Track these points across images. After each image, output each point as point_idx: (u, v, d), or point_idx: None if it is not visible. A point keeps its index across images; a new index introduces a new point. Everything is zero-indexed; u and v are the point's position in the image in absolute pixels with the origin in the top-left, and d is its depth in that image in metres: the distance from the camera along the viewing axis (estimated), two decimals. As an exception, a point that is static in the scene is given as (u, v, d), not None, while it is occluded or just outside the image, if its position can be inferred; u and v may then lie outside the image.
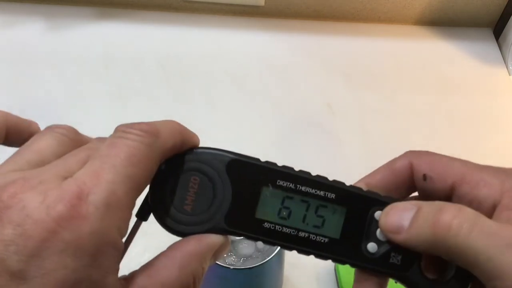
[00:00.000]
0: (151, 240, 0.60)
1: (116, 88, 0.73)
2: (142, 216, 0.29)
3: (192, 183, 0.27)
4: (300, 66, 0.78)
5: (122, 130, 0.25)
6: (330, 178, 0.29)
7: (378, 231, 0.27)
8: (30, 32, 0.78)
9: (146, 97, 0.73)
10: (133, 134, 0.25)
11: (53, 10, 0.81)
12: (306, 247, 0.28)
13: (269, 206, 0.27)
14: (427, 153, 0.28)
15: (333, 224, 0.28)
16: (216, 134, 0.70)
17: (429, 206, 0.26)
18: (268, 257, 0.45)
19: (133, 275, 0.25)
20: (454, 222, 0.24)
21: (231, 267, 0.45)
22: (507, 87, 0.78)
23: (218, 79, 0.76)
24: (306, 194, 0.28)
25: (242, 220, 0.27)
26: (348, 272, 0.57)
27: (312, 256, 0.28)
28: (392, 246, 0.27)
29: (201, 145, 0.28)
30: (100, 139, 0.28)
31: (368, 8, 0.83)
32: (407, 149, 0.31)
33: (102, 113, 0.71)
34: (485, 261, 0.24)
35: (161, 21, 0.82)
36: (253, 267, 0.45)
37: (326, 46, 0.81)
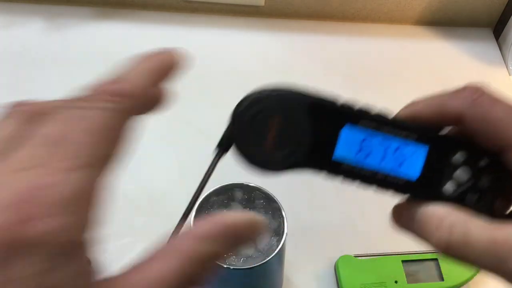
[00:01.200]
0: (152, 241, 0.61)
1: (116, 88, 0.73)
2: (225, 146, 0.29)
3: (273, 122, 0.27)
4: (300, 66, 0.78)
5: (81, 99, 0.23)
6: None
7: (456, 172, 0.28)
8: (30, 32, 0.78)
9: (146, 97, 0.73)
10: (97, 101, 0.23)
11: (53, 10, 0.81)
12: (384, 185, 0.28)
13: (347, 146, 0.28)
14: (480, 105, 0.27)
15: (412, 164, 0.28)
16: (216, 134, 0.70)
17: None
18: (268, 257, 0.45)
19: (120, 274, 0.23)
20: None
21: (231, 267, 0.45)
22: (507, 87, 0.78)
23: (218, 79, 0.76)
24: (386, 134, 0.28)
25: (321, 159, 0.28)
26: (348, 272, 0.57)
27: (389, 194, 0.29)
28: (470, 187, 0.28)
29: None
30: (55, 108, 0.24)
31: (368, 8, 0.83)
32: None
33: (102, 113, 0.71)
34: None
35: (161, 21, 0.82)
36: (253, 267, 0.45)
37: (326, 46, 0.81)
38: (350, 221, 0.63)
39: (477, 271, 0.58)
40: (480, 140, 0.27)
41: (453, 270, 0.58)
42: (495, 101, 0.27)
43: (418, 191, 0.28)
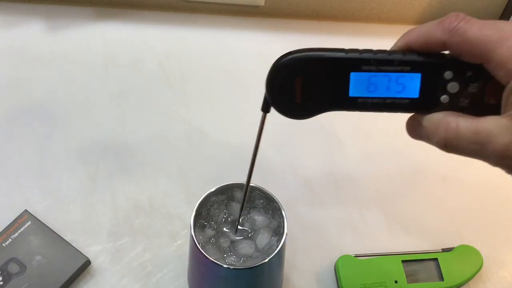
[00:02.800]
0: (151, 240, 0.61)
1: (116, 88, 0.73)
2: (266, 109, 0.37)
3: (297, 82, 0.34)
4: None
5: None
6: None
7: (448, 85, 0.34)
8: (30, 32, 0.78)
9: (146, 97, 0.73)
10: None
11: (53, 10, 0.81)
12: (393, 108, 0.35)
13: (358, 85, 0.34)
14: (458, 32, 0.33)
15: (412, 88, 0.34)
16: (216, 133, 0.70)
17: None
18: (268, 257, 0.45)
19: None
20: None
21: (231, 267, 0.45)
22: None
23: (218, 79, 0.76)
24: (386, 70, 0.34)
25: (340, 100, 0.35)
26: (348, 272, 0.57)
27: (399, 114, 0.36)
28: (461, 95, 0.34)
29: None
30: None
31: (368, 8, 0.83)
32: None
33: (102, 113, 0.71)
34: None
35: (161, 21, 0.82)
36: (253, 267, 0.45)
37: (326, 46, 0.81)
38: (350, 221, 0.63)
39: (477, 271, 0.59)
40: (464, 58, 0.33)
41: (453, 270, 0.58)
42: (470, 24, 0.33)
43: (421, 107, 0.35)
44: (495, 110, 0.33)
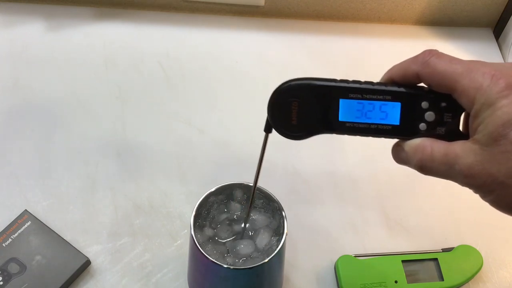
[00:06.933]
0: (151, 240, 0.61)
1: (116, 88, 0.73)
2: (268, 130, 0.41)
3: (293, 105, 0.39)
4: (300, 66, 0.78)
5: None
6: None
7: (425, 114, 0.37)
8: (30, 32, 0.78)
9: (146, 97, 0.73)
10: None
11: (53, 10, 0.81)
12: (377, 133, 0.39)
13: (347, 111, 0.38)
14: (429, 65, 0.36)
15: (393, 115, 0.38)
16: (216, 133, 0.70)
17: None
18: (268, 257, 0.45)
19: None
20: None
21: (231, 267, 0.45)
22: (507, 87, 0.78)
23: (218, 79, 0.76)
24: (371, 99, 0.38)
25: (331, 124, 0.39)
26: (348, 272, 0.57)
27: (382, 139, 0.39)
28: (437, 123, 0.37)
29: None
30: None
31: (368, 8, 0.83)
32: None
33: (102, 113, 0.71)
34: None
35: (161, 21, 0.82)
36: (253, 267, 0.45)
37: (326, 46, 0.81)
38: (350, 221, 0.63)
39: (477, 271, 0.59)
40: (435, 88, 0.37)
41: (453, 270, 0.58)
42: (440, 58, 0.36)
43: (402, 133, 0.38)
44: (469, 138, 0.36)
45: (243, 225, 0.48)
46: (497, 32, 0.85)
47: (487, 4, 0.83)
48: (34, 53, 0.76)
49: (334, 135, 0.40)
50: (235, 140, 0.69)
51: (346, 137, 0.40)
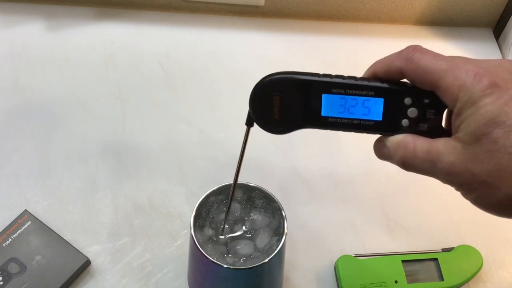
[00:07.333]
0: (151, 240, 0.61)
1: (116, 88, 0.73)
2: (249, 124, 0.41)
3: (275, 100, 0.38)
4: (300, 66, 0.78)
5: None
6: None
7: (408, 111, 0.37)
8: (30, 32, 0.78)
9: (146, 97, 0.73)
10: None
11: (53, 10, 0.81)
12: (360, 128, 0.39)
13: (329, 106, 0.38)
14: (413, 61, 0.36)
15: (376, 111, 0.38)
16: (216, 133, 0.70)
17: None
18: (268, 257, 0.45)
19: None
20: None
21: (231, 267, 0.45)
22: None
23: (218, 79, 0.76)
24: (354, 94, 0.38)
25: (314, 119, 0.38)
26: (348, 272, 0.57)
27: (364, 135, 0.39)
28: (420, 119, 0.37)
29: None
30: None
31: (368, 8, 0.83)
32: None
33: (102, 113, 0.71)
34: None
35: (161, 21, 0.82)
36: (253, 267, 0.45)
37: (326, 46, 0.81)
38: (350, 221, 0.63)
39: (477, 271, 0.59)
40: (418, 85, 0.36)
41: (453, 270, 0.58)
42: (424, 54, 0.35)
43: (384, 129, 0.38)
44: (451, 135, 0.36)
45: (223, 220, 0.48)
46: (497, 32, 0.85)
47: (487, 4, 0.83)
48: (34, 53, 0.76)
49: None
50: (235, 140, 0.69)
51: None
